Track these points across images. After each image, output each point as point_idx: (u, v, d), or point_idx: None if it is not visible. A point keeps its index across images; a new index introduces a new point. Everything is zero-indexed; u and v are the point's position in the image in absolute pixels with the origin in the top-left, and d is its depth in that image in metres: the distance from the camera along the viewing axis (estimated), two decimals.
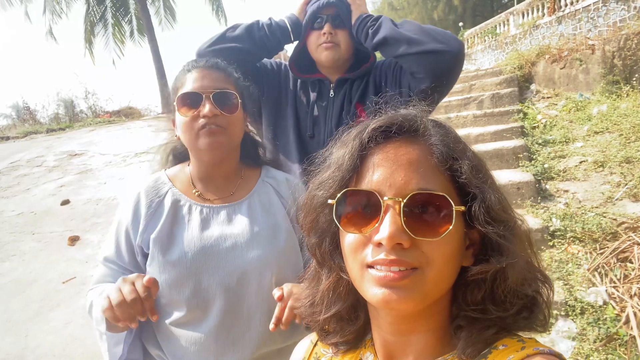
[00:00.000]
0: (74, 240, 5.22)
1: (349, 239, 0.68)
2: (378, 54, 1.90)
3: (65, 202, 6.35)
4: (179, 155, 1.52)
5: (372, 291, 0.64)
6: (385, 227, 0.62)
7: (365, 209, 0.66)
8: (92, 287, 1.35)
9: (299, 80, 1.99)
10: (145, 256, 1.32)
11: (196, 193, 1.40)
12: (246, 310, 1.29)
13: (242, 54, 1.80)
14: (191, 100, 1.33)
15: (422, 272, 0.63)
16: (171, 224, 1.33)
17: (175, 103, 1.36)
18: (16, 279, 4.54)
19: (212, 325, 1.27)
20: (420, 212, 0.64)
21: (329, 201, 0.70)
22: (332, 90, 1.92)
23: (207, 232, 1.32)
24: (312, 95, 1.95)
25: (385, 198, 0.64)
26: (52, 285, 4.35)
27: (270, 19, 1.90)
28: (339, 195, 0.68)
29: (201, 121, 1.31)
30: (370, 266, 0.65)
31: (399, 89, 1.81)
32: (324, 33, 1.83)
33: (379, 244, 0.63)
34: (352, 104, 1.88)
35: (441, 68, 1.66)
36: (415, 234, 0.63)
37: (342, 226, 0.68)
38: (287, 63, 2.03)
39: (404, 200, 0.63)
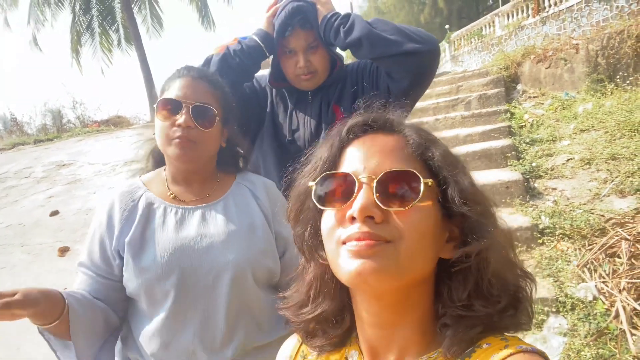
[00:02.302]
0: (64, 251, 5.17)
1: (326, 221, 0.72)
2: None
3: (55, 213, 6.29)
4: (157, 157, 1.52)
5: (346, 265, 0.66)
6: (358, 201, 0.66)
7: (343, 190, 0.70)
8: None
9: (274, 89, 1.98)
10: (122, 260, 1.32)
11: (171, 195, 1.40)
12: (223, 310, 1.29)
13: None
14: (171, 107, 1.34)
15: (394, 246, 0.65)
16: (144, 226, 1.33)
17: (156, 105, 1.38)
18: None
19: (190, 325, 1.28)
20: (393, 188, 0.68)
21: (309, 184, 0.74)
22: (310, 96, 1.91)
23: (182, 232, 1.32)
24: (290, 102, 1.94)
25: (360, 177, 0.69)
26: None
27: (239, 42, 1.83)
28: (318, 178, 0.74)
29: (174, 129, 1.32)
30: (345, 243, 0.67)
31: (376, 91, 1.79)
32: (300, 66, 1.80)
33: (353, 219, 0.67)
34: (330, 106, 1.88)
35: (419, 68, 1.65)
36: (386, 206, 0.66)
37: (320, 204, 0.72)
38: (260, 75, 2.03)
39: (377, 178, 0.67)
